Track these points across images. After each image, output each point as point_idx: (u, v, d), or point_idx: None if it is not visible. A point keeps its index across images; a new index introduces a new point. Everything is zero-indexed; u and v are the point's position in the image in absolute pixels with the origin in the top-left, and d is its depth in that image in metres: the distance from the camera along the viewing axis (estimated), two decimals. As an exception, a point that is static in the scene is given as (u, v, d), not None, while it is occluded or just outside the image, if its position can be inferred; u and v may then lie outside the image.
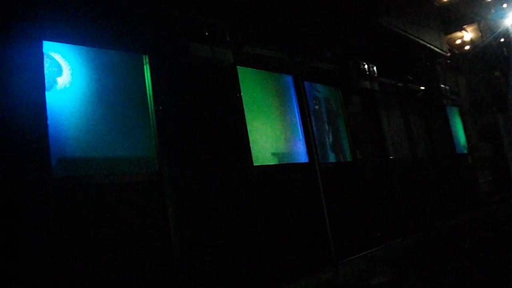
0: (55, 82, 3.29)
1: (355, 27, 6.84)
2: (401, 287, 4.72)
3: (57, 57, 3.35)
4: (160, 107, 3.85)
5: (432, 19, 9.18)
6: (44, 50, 3.19)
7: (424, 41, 8.35)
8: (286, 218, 4.79)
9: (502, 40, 12.53)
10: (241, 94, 4.69)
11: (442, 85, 9.21)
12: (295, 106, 5.55)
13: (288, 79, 5.59)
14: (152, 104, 3.83)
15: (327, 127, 6.16)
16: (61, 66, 3.36)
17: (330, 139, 6.15)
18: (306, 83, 5.78)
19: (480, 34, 11.94)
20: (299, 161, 5.35)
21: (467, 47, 11.85)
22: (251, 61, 5.01)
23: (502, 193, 11.30)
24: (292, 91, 5.59)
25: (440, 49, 9.07)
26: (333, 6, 6.24)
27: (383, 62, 7.31)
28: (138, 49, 3.90)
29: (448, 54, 9.86)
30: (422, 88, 8.77)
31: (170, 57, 4.09)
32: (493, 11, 12.18)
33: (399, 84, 8.01)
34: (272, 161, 5.13)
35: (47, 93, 3.12)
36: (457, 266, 5.15)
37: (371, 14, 6.86)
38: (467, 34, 11.89)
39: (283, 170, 5.08)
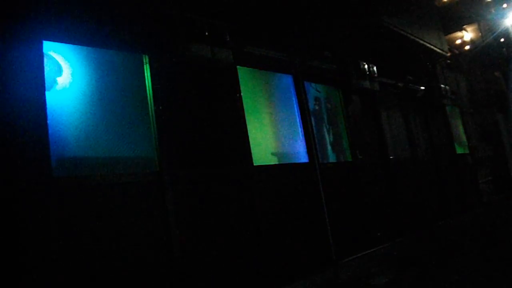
0: (55, 82, 3.29)
1: (355, 27, 6.84)
2: (401, 287, 4.72)
3: (57, 57, 3.35)
4: (160, 107, 3.85)
5: (432, 19, 9.18)
6: (44, 50, 3.19)
7: (424, 41, 8.35)
8: (286, 218, 4.78)
9: (502, 40, 12.53)
10: (241, 94, 4.69)
11: (442, 85, 9.21)
12: (295, 106, 5.55)
13: (288, 79, 5.59)
14: (152, 104, 3.83)
15: (327, 127, 6.16)
16: (61, 66, 3.36)
17: (330, 139, 6.14)
18: (306, 83, 5.78)
19: (480, 34, 11.94)
20: (299, 161, 5.35)
21: (467, 47, 11.84)
22: (251, 61, 5.01)
23: (502, 193, 11.30)
24: (292, 91, 5.59)
25: (440, 49, 9.06)
26: (333, 6, 6.24)
27: (383, 62, 7.31)
28: (138, 49, 3.90)
29: (448, 54, 9.86)
30: (422, 88, 8.77)
31: (170, 57, 4.09)
32: (493, 11, 12.17)
33: (399, 84, 8.00)
34: (272, 161, 5.13)
35: (47, 93, 3.12)
36: (457, 266, 5.15)
37: (371, 14, 6.86)
38: (467, 34, 11.88)
39: (283, 170, 5.08)
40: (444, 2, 10.57)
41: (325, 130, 6.11)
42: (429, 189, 7.98)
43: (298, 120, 5.52)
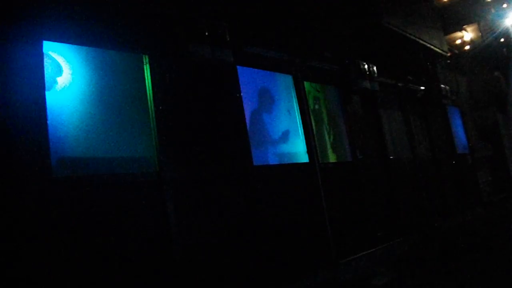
0: (55, 82, 3.29)
1: (355, 27, 6.84)
2: (401, 287, 4.72)
3: (57, 57, 3.35)
4: (160, 107, 3.85)
5: (432, 19, 9.17)
6: (44, 50, 3.19)
7: (424, 41, 8.34)
8: (286, 218, 4.78)
9: (502, 40, 12.53)
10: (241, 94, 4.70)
11: (442, 85, 9.21)
12: (295, 106, 5.54)
13: (288, 79, 5.59)
14: (152, 104, 3.83)
15: (327, 127, 6.16)
16: (61, 66, 3.36)
17: (330, 139, 6.14)
18: (306, 83, 5.78)
19: (480, 34, 11.93)
20: (299, 161, 5.35)
21: (467, 47, 11.84)
22: (251, 61, 5.01)
23: (502, 193, 11.30)
24: (292, 91, 5.58)
25: (440, 49, 9.06)
26: (333, 6, 6.24)
27: (383, 62, 7.31)
28: (138, 49, 3.90)
29: (448, 54, 9.85)
30: (422, 88, 8.76)
31: (170, 57, 4.08)
32: (493, 11, 12.17)
33: (399, 84, 8.00)
34: (273, 161, 5.13)
35: (47, 93, 3.12)
36: (457, 266, 5.15)
37: (371, 14, 6.86)
38: (467, 34, 11.88)
39: (283, 170, 5.08)
40: (444, 2, 10.56)
41: (325, 130, 6.11)
42: (429, 189, 7.97)
43: (298, 120, 5.52)
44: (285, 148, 5.33)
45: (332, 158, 6.05)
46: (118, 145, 3.57)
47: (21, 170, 2.87)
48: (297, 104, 5.54)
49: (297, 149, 5.43)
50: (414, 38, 7.95)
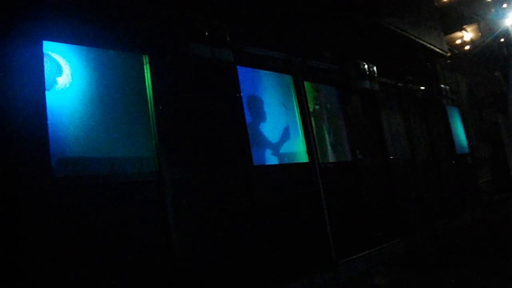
0: (55, 82, 3.29)
1: (355, 27, 6.84)
2: (401, 287, 4.73)
3: (57, 57, 3.35)
4: (160, 107, 3.85)
5: (432, 19, 9.18)
6: (44, 50, 3.19)
7: (424, 41, 8.35)
8: (286, 218, 4.78)
9: (502, 40, 12.54)
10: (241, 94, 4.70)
11: (442, 85, 9.21)
12: (295, 106, 5.54)
13: (288, 79, 5.59)
14: (152, 104, 3.83)
15: (327, 127, 6.15)
16: (61, 66, 3.36)
17: (330, 139, 6.14)
18: (306, 83, 5.78)
19: (480, 34, 11.95)
20: (299, 161, 5.35)
21: (467, 47, 11.85)
22: (251, 61, 5.01)
23: (502, 193, 11.30)
24: (292, 91, 5.58)
25: (440, 49, 9.06)
26: (333, 6, 6.24)
27: (383, 62, 7.31)
28: (138, 49, 3.90)
29: (448, 54, 9.86)
30: (422, 88, 8.77)
31: (170, 57, 4.08)
32: (493, 11, 12.18)
33: (399, 84, 8.00)
34: (273, 161, 5.13)
35: (47, 93, 3.12)
36: (457, 266, 5.15)
37: (371, 14, 6.86)
38: (467, 34, 11.89)
39: (283, 170, 5.08)
40: (444, 2, 10.58)
41: (325, 130, 6.11)
42: (429, 189, 7.97)
43: (298, 120, 5.52)
44: (285, 148, 5.33)
45: (332, 158, 6.05)
46: (118, 145, 3.57)
47: (22, 170, 2.87)
48: (297, 104, 5.54)
49: (297, 149, 5.43)
50: (414, 38, 7.95)
